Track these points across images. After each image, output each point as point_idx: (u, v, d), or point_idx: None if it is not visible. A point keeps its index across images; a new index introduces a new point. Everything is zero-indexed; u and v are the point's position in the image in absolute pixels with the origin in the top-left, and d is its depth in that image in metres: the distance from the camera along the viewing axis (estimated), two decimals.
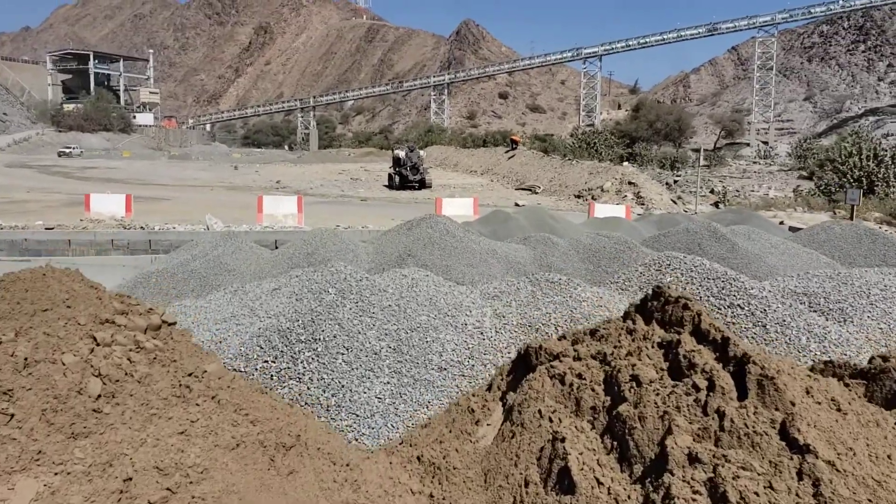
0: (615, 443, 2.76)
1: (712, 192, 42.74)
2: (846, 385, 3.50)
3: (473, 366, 6.01)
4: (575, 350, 3.60)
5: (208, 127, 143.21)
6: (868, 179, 35.87)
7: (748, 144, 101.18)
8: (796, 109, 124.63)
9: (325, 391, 5.69)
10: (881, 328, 6.86)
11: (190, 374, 3.22)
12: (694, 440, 2.44)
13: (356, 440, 5.40)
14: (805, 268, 11.76)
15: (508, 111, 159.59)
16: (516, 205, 31.87)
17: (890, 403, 3.35)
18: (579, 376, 3.26)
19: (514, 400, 3.46)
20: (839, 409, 2.46)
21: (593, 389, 3.11)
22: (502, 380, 4.05)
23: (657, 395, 2.71)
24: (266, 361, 5.91)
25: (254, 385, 4.06)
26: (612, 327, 3.78)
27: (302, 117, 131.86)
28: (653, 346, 3.24)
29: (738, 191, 46.47)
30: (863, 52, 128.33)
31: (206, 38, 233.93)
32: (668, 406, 2.61)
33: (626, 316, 4.04)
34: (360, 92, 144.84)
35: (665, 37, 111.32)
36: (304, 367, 5.85)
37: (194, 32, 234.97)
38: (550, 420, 3.03)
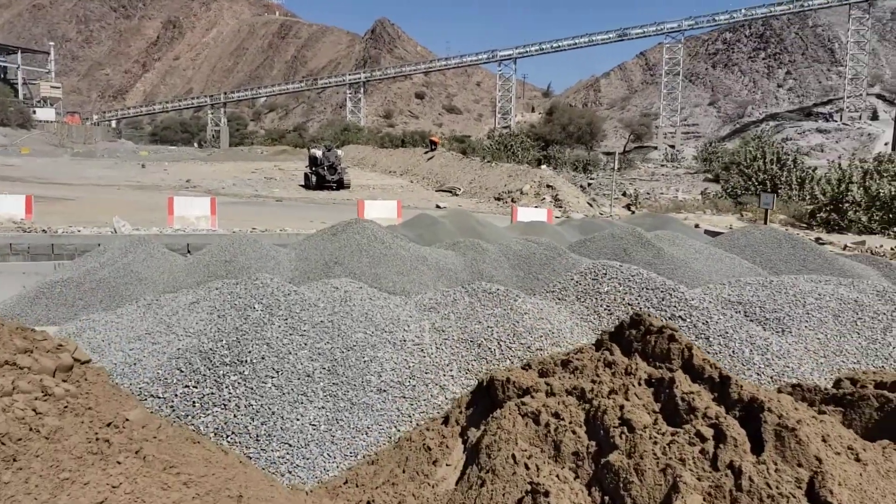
0: (606, 497, 2.46)
1: (624, 194, 43.58)
2: (822, 412, 3.31)
3: (415, 386, 5.64)
4: (547, 384, 3.28)
5: (114, 123, 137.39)
6: (772, 182, 37.21)
7: (656, 148, 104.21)
8: (701, 114, 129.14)
9: (253, 419, 5.22)
10: (819, 338, 6.84)
11: (108, 424, 2.73)
12: (705, 500, 2.16)
13: (290, 472, 4.96)
14: (729, 273, 11.88)
15: (425, 111, 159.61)
16: (437, 206, 31.65)
17: (869, 433, 3.17)
18: (556, 416, 2.94)
19: (481, 440, 3.11)
20: (858, 459, 2.24)
21: (574, 432, 2.79)
22: (461, 413, 3.69)
23: (655, 443, 2.41)
24: (187, 386, 5.39)
25: (183, 433, 3.57)
26: (587, 358, 3.48)
27: (212, 114, 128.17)
28: (640, 384, 2.95)
29: (648, 193, 47.54)
30: (763, 59, 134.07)
31: (112, 32, 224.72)
32: (671, 458, 2.31)
33: (600, 345, 3.75)
34: (273, 89, 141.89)
35: (577, 41, 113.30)
36: (230, 393, 5.36)
37: (99, 25, 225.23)
38: (527, 467, 2.71)
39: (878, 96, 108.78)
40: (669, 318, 6.76)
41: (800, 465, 2.12)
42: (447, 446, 3.38)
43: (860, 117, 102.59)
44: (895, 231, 26.16)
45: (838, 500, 1.95)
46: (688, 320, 6.67)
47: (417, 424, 5.02)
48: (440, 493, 3.08)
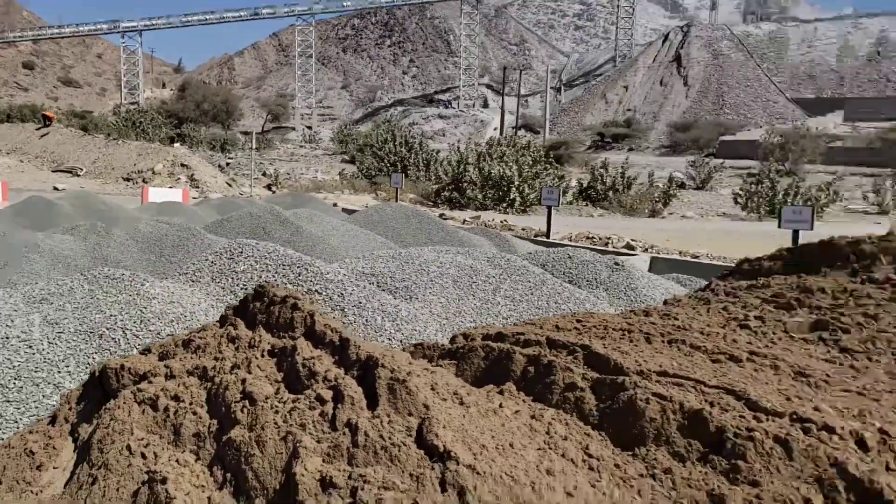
0: (229, 474, 2.36)
1: (265, 174, 43.46)
2: (439, 366, 3.58)
3: (22, 388, 4.96)
4: (167, 367, 3.05)
5: None
6: (402, 164, 39.83)
7: (294, 129, 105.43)
8: (335, 97, 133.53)
9: None
10: (441, 303, 7.44)
11: None
12: (324, 461, 2.17)
13: None
14: (364, 248, 12.42)
15: (36, 83, 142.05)
16: (55, 188, 28.44)
17: (479, 381, 3.49)
18: (175, 398, 2.75)
19: (93, 435, 2.80)
20: (462, 403, 2.42)
21: (195, 413, 2.63)
22: (70, 409, 3.29)
23: (276, 413, 2.36)
24: None
25: None
26: (210, 335, 3.30)
27: None
28: (263, 356, 2.87)
29: (288, 174, 48.03)
30: (389, 46, 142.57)
31: None
32: (291, 425, 2.28)
33: (224, 321, 3.60)
34: None
35: (208, 17, 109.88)
36: None
37: None
38: (143, 456, 2.50)
39: (488, 86, 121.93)
40: (307, 293, 6.84)
41: (410, 415, 2.23)
42: (54, 447, 3.00)
43: (474, 105, 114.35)
44: (504, 206, 29.64)
45: (443, 441, 2.09)
46: (324, 293, 6.82)
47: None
48: (45, 500, 2.73)
